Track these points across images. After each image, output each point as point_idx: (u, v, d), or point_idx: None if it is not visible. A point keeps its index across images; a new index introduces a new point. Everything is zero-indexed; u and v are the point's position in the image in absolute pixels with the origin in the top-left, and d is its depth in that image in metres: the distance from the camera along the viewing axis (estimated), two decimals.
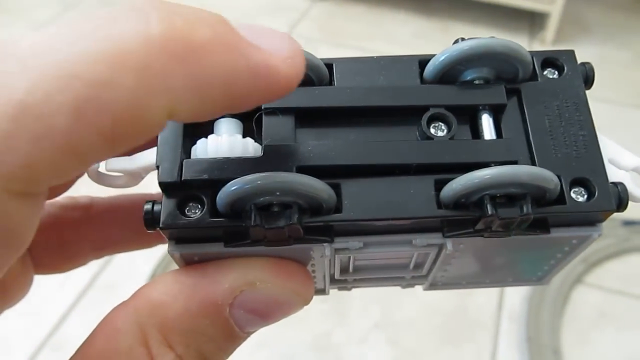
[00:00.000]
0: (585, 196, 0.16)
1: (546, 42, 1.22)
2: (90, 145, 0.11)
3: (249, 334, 0.16)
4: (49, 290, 0.73)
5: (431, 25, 1.28)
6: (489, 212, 0.15)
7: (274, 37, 0.13)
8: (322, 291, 0.21)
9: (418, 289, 0.23)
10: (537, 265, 0.20)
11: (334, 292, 0.22)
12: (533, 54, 0.17)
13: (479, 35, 0.18)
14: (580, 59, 0.18)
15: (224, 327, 0.16)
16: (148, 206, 0.15)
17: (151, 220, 0.15)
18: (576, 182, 0.16)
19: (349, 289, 0.22)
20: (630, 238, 0.83)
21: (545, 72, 0.18)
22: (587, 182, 0.16)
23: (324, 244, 0.16)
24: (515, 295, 0.78)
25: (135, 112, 0.11)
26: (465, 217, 0.16)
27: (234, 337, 0.16)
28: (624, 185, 0.16)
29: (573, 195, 0.16)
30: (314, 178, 0.15)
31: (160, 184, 0.15)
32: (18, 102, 0.10)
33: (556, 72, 0.18)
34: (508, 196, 0.15)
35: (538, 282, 0.21)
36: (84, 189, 0.22)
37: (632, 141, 0.37)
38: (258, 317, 0.16)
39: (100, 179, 0.18)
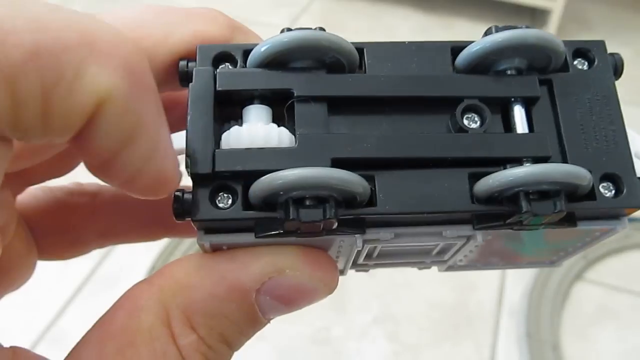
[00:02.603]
0: (614, 191, 0.16)
1: None
2: (30, 93, 0.11)
3: (269, 320, 0.17)
4: (48, 282, 0.72)
5: (431, 21, 1.28)
6: (524, 209, 0.15)
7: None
8: (340, 272, 0.21)
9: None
10: (555, 252, 0.21)
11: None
12: (565, 43, 0.17)
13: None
14: None
15: (249, 312, 0.16)
16: (178, 195, 0.15)
17: (181, 210, 0.15)
18: (605, 177, 0.16)
19: (367, 271, 0.22)
20: (630, 234, 0.83)
21: (575, 63, 0.17)
22: (616, 177, 0.16)
23: (356, 236, 0.16)
24: (515, 291, 0.78)
25: (76, 79, 0.12)
26: (499, 212, 0.16)
27: (257, 322, 0.16)
28: None
29: (602, 190, 0.16)
30: (349, 172, 0.15)
31: (192, 175, 0.15)
32: None
33: (586, 63, 0.18)
34: (541, 192, 0.15)
35: (551, 265, 0.22)
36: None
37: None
38: (283, 304, 0.16)
39: None
